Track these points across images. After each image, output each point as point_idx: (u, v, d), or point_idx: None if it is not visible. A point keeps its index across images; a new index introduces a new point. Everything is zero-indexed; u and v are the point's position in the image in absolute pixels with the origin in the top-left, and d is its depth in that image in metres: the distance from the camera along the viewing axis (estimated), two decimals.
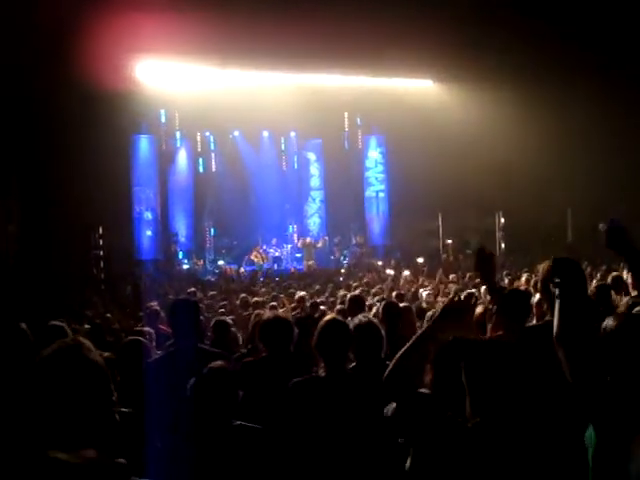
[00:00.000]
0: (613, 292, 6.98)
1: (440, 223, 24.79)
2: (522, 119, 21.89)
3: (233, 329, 7.34)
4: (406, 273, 17.58)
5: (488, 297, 5.81)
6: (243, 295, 12.97)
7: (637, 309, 4.46)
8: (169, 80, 22.95)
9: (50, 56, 17.18)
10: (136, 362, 4.76)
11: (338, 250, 25.76)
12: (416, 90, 25.08)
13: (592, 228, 22.17)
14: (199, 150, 26.20)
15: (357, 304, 6.88)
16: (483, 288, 9.38)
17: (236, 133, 26.36)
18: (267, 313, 6.53)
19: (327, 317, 4.32)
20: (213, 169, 26.36)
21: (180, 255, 24.68)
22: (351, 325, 4.34)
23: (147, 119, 23.81)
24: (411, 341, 2.98)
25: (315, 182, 28.08)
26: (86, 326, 8.75)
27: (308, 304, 10.06)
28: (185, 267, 24.35)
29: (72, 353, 1.97)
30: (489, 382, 2.73)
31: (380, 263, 23.32)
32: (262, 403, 4.37)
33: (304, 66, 23.35)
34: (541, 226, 23.91)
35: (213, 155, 26.43)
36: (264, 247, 25.08)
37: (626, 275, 8.04)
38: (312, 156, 27.91)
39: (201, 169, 26.40)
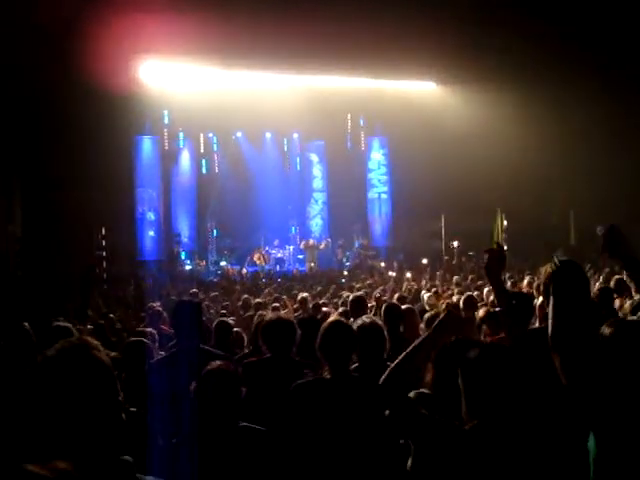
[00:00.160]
0: (616, 295, 6.97)
1: (443, 225, 24.77)
2: (524, 120, 21.89)
3: (238, 330, 7.35)
4: (408, 275, 17.57)
5: (491, 298, 5.81)
6: (245, 296, 12.99)
7: None
8: (172, 81, 22.99)
9: (53, 57, 17.20)
10: (139, 363, 4.77)
11: (341, 252, 25.74)
12: (419, 92, 25.12)
13: (595, 230, 22.19)
14: (202, 151, 26.21)
15: (359, 305, 6.88)
16: (486, 289, 9.40)
17: (239, 134, 26.38)
18: (270, 314, 6.52)
19: (330, 319, 4.31)
20: (216, 170, 26.35)
21: (183, 256, 24.67)
22: (354, 326, 4.34)
23: (150, 120, 23.85)
24: (407, 351, 2.99)
25: (318, 183, 28.08)
26: (89, 326, 8.76)
27: (310, 305, 10.05)
28: (187, 268, 24.33)
29: (79, 352, 1.97)
30: (485, 385, 2.73)
31: (383, 264, 23.32)
32: (264, 404, 4.37)
33: (307, 67, 23.36)
34: (544, 228, 23.90)
35: (216, 156, 26.42)
36: (266, 248, 25.08)
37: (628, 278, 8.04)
38: (315, 157, 27.91)
39: (204, 170, 26.41)
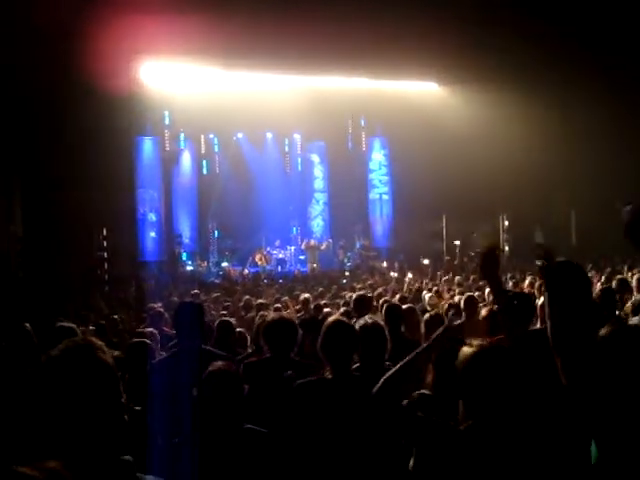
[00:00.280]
0: (618, 295, 6.96)
1: (444, 225, 24.76)
2: (525, 120, 21.89)
3: (241, 330, 7.35)
4: (409, 276, 17.57)
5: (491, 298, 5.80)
6: (247, 297, 12.99)
7: None
8: (173, 82, 23.00)
9: (54, 57, 17.21)
10: (142, 363, 4.79)
11: (342, 252, 25.74)
12: (419, 92, 25.11)
13: (596, 229, 22.22)
14: (203, 152, 26.23)
15: (363, 304, 6.88)
16: (487, 290, 9.39)
17: (240, 135, 26.38)
18: (271, 314, 6.53)
19: (332, 318, 4.30)
20: (217, 171, 26.35)
21: (184, 257, 24.68)
22: (356, 326, 4.34)
23: (151, 121, 23.86)
24: (402, 363, 2.99)
25: (319, 184, 28.08)
26: (91, 327, 8.77)
27: (312, 306, 10.06)
28: (189, 269, 24.34)
29: (83, 353, 1.97)
30: (478, 385, 2.72)
31: (385, 265, 23.32)
32: (265, 404, 4.37)
33: (308, 68, 23.36)
34: (545, 228, 23.89)
35: (217, 157, 26.44)
36: (268, 249, 25.09)
37: (631, 277, 8.03)
38: (316, 158, 27.91)
39: (205, 171, 26.42)
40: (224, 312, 11.18)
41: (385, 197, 27.79)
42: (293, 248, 25.88)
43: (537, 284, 8.71)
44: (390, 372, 2.99)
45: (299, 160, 27.93)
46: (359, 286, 14.79)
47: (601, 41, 20.83)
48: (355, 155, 27.65)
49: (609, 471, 2.69)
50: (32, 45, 16.58)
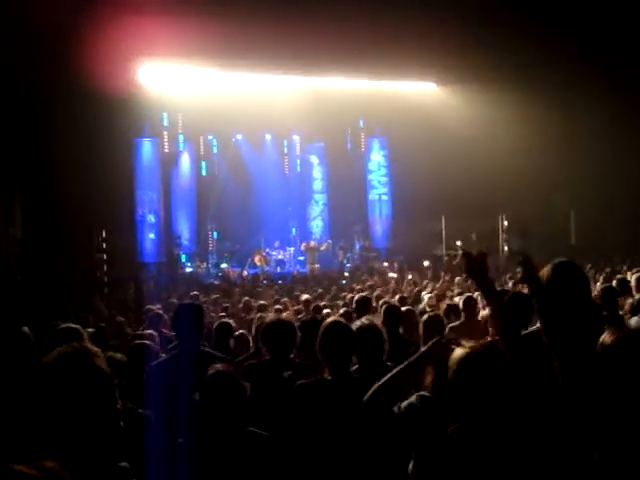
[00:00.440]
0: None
1: (444, 226, 24.75)
2: (525, 121, 21.88)
3: (244, 332, 7.34)
4: (409, 277, 17.56)
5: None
6: (246, 298, 12.99)
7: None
8: (172, 83, 22.98)
9: (53, 59, 17.19)
10: (142, 366, 4.78)
11: (342, 253, 25.75)
12: (419, 92, 25.09)
13: (596, 229, 22.23)
14: (202, 153, 26.26)
15: (364, 305, 6.87)
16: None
17: (239, 136, 26.39)
18: (270, 316, 6.52)
19: (330, 319, 4.30)
20: (216, 172, 26.37)
21: (183, 258, 24.69)
22: (354, 327, 4.33)
23: (150, 122, 23.87)
24: (394, 371, 2.97)
25: (318, 185, 28.08)
26: (89, 330, 8.75)
27: (311, 307, 10.06)
28: (188, 270, 24.35)
29: (77, 359, 1.95)
30: (468, 389, 2.69)
31: (386, 264, 23.32)
32: (264, 406, 4.36)
33: (307, 69, 23.35)
34: (544, 228, 23.88)
35: (216, 158, 26.45)
36: (267, 250, 25.09)
37: (630, 277, 8.03)
38: (315, 159, 27.91)
39: (204, 172, 26.43)
40: (223, 314, 11.18)
41: (384, 198, 27.78)
42: (292, 249, 25.88)
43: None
44: (381, 380, 2.97)
45: (298, 161, 27.96)
46: (358, 287, 14.79)
47: (602, 41, 20.82)
48: (354, 156, 27.66)
49: (608, 473, 2.68)
50: (31, 46, 16.57)
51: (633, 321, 6.01)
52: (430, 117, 23.21)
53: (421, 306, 10.03)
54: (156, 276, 21.49)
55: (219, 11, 18.52)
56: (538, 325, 5.13)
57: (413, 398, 2.98)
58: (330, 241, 26.24)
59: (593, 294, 6.16)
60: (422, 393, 3.39)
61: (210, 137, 26.16)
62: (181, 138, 25.35)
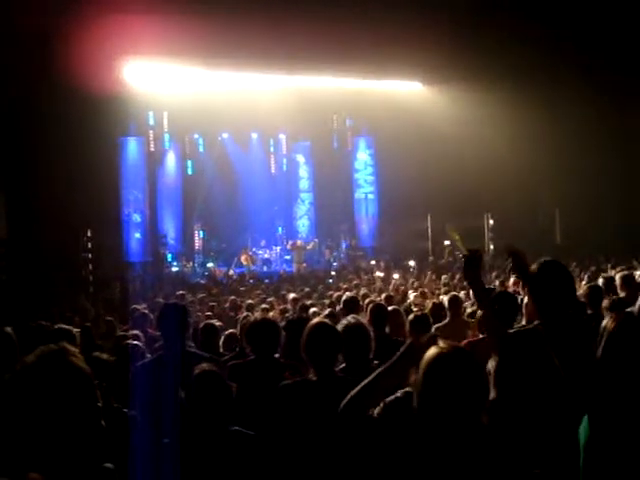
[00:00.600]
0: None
1: (429, 224, 24.80)
2: (511, 120, 21.95)
3: (234, 331, 7.32)
4: (395, 276, 17.59)
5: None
6: (232, 297, 12.97)
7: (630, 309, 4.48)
8: (157, 82, 22.90)
9: (37, 59, 17.12)
10: (128, 366, 4.77)
11: (329, 252, 25.77)
12: (405, 92, 25.12)
13: (581, 229, 22.32)
14: (188, 152, 26.16)
15: (352, 306, 6.88)
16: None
17: (225, 135, 26.33)
18: (255, 315, 6.51)
19: (315, 320, 4.30)
20: (202, 171, 26.28)
21: (169, 257, 24.60)
22: (340, 327, 4.33)
23: (135, 121, 23.76)
24: (370, 377, 2.92)
25: (304, 184, 28.06)
26: (75, 330, 8.70)
27: (297, 306, 10.05)
28: (174, 269, 24.27)
29: (56, 359, 1.94)
30: (436, 392, 2.55)
31: (373, 262, 23.35)
32: (249, 406, 4.36)
33: (293, 68, 23.32)
34: (530, 227, 23.98)
35: (202, 157, 26.37)
36: (253, 249, 25.06)
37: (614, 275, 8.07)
38: (301, 158, 27.90)
39: (190, 171, 26.34)
40: (209, 313, 11.16)
41: (371, 197, 27.81)
42: (279, 248, 25.86)
43: (521, 283, 8.73)
44: (356, 389, 2.93)
45: (284, 160, 27.92)
46: (345, 286, 14.81)
47: (588, 41, 20.93)
48: (341, 155, 27.66)
49: (602, 451, 2.70)
50: (14, 46, 16.48)
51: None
52: (416, 116, 23.26)
53: (406, 303, 10.06)
54: (142, 275, 21.40)
55: (204, 9, 18.49)
56: (524, 323, 5.18)
57: (399, 393, 2.95)
58: (317, 240, 26.24)
59: (578, 293, 6.19)
60: (407, 390, 3.40)
61: (196, 136, 26.07)
62: (167, 137, 25.26)
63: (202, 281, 21.31)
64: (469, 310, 7.83)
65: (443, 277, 15.37)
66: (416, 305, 9.53)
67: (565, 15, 20.45)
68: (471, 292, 9.08)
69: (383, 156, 26.47)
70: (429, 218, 24.77)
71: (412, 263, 22.01)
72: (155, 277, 21.24)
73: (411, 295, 11.05)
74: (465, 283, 11.40)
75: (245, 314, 9.08)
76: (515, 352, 3.42)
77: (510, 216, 23.90)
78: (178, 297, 13.07)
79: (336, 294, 11.66)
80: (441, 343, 2.63)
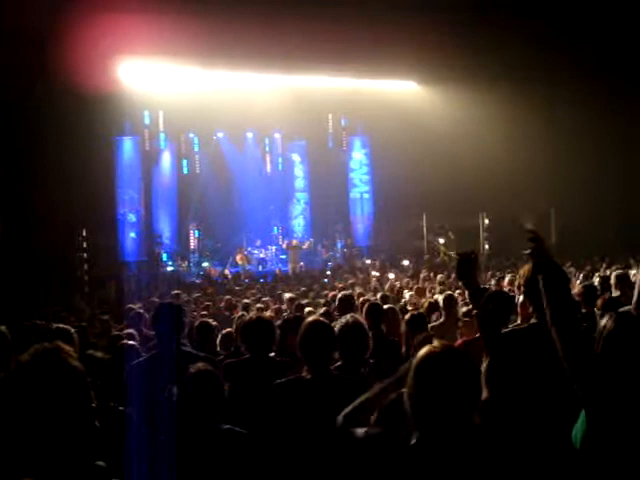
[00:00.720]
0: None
1: (424, 224, 24.82)
2: (506, 120, 21.98)
3: (231, 330, 7.32)
4: (391, 276, 17.58)
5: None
6: (228, 297, 12.97)
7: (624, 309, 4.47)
8: (153, 81, 22.88)
9: (31, 58, 17.06)
10: (123, 364, 4.77)
11: (326, 252, 25.78)
12: (400, 91, 25.13)
13: (576, 228, 22.34)
14: (183, 151, 26.13)
15: (347, 304, 6.87)
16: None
17: (220, 134, 26.31)
18: (250, 314, 6.51)
19: (310, 319, 4.30)
20: (197, 170, 26.28)
21: (164, 257, 24.57)
22: (338, 325, 4.33)
23: (131, 120, 23.71)
24: (371, 391, 2.89)
25: (299, 184, 28.07)
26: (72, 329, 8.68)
27: (293, 306, 10.05)
28: (169, 269, 24.25)
29: (50, 358, 1.93)
30: (427, 394, 2.48)
31: (369, 261, 23.36)
32: (243, 405, 4.36)
33: (289, 67, 23.30)
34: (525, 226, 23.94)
35: (197, 156, 26.35)
36: (248, 249, 25.05)
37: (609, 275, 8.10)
38: (296, 157, 27.90)
39: (185, 170, 26.31)
40: (204, 312, 11.16)
41: (366, 196, 27.84)
42: (274, 248, 25.86)
43: (517, 282, 8.75)
44: (349, 407, 2.88)
45: (280, 159, 27.90)
46: (340, 285, 14.81)
47: (585, 41, 20.95)
48: (336, 154, 27.67)
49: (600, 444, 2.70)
50: (9, 45, 16.42)
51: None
52: (411, 116, 23.26)
53: (402, 302, 10.06)
54: (137, 275, 21.36)
55: (199, 8, 18.47)
56: (518, 322, 5.19)
57: (393, 395, 2.94)
58: (312, 239, 26.25)
59: (572, 292, 6.20)
60: (403, 391, 3.39)
61: (191, 135, 26.05)
62: (162, 136, 25.22)
63: (197, 281, 21.30)
64: (464, 309, 7.84)
65: (439, 276, 15.37)
66: (412, 304, 9.54)
67: (561, 15, 20.47)
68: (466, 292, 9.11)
69: (378, 156, 26.49)
70: (424, 217, 24.78)
71: (406, 262, 22.02)
72: (150, 277, 21.19)
73: (406, 294, 11.05)
74: (460, 283, 11.45)
75: (240, 313, 9.10)
76: (508, 351, 3.42)
77: (505, 216, 23.91)
78: (173, 296, 13.08)
79: (331, 293, 11.66)
80: (435, 342, 2.61)
